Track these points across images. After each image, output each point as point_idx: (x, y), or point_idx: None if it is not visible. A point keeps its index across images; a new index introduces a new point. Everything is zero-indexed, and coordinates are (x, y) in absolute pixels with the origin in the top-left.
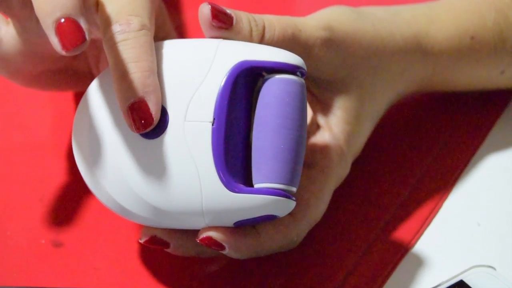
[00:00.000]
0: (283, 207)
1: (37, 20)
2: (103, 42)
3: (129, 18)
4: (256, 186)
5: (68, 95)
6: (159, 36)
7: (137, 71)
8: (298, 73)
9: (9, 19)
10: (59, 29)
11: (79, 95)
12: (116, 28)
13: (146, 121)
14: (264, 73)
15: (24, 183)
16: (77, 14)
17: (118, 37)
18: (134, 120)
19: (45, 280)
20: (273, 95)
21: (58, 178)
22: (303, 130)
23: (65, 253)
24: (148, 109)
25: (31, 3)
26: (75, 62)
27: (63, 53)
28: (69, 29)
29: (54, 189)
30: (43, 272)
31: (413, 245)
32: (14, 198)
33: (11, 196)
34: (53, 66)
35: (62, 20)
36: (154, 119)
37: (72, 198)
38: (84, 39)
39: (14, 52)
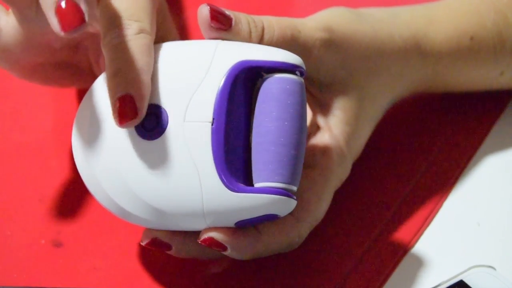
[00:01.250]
0: (284, 206)
1: (37, 9)
2: (101, 46)
3: (129, 22)
4: (257, 185)
5: (69, 95)
6: (159, 34)
7: (128, 69)
8: (297, 72)
9: (9, 10)
10: (59, 9)
11: (80, 95)
12: (115, 33)
13: (129, 114)
14: (263, 73)
15: (24, 183)
16: None
17: (116, 40)
18: (118, 113)
19: (45, 280)
20: (272, 94)
21: (58, 178)
22: (303, 128)
23: (65, 253)
24: (134, 103)
25: None
26: (75, 56)
27: (62, 34)
28: (68, 10)
29: (54, 189)
30: (43, 272)
31: (413, 245)
32: (14, 198)
33: (11, 196)
34: (53, 58)
35: (63, 1)
36: (139, 114)
37: (72, 198)
38: (83, 20)
39: (14, 43)
